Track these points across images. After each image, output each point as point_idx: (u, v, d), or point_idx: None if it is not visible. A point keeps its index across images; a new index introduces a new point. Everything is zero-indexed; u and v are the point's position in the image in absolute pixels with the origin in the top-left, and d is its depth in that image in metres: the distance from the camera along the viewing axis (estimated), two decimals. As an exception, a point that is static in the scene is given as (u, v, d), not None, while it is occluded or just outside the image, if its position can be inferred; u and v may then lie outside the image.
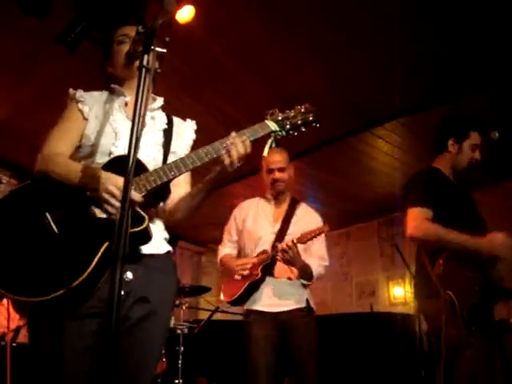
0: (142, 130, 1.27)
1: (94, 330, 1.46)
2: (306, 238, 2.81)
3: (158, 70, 1.33)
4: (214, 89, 4.03)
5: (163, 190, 1.65)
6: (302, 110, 1.77)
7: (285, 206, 3.15)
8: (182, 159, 1.59)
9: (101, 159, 1.64)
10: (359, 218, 6.45)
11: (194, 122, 1.91)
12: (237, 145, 1.58)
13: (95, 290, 1.46)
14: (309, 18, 3.30)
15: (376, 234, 6.62)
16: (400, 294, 6.18)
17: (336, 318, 4.65)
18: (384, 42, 3.40)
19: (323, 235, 2.99)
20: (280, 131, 1.69)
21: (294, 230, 2.99)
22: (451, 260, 2.33)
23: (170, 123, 1.84)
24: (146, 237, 1.54)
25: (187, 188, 1.81)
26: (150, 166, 1.60)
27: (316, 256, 3.04)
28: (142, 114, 1.27)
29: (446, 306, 2.24)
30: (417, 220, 2.41)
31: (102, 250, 1.45)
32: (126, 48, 1.70)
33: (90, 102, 1.74)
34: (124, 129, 1.69)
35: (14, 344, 3.84)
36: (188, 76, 3.86)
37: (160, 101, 1.85)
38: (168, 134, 1.81)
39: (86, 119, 1.71)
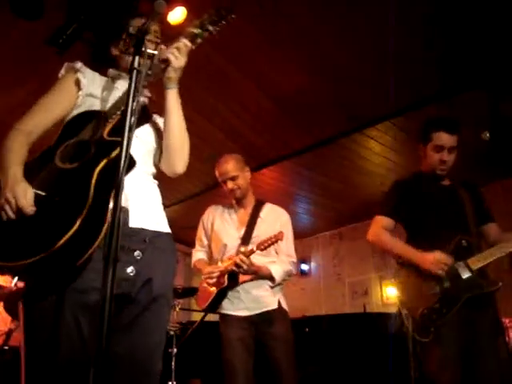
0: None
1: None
2: (263, 246, 2.80)
3: (149, 72, 1.32)
4: (206, 88, 4.02)
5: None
6: (212, 12, 1.70)
7: (249, 210, 3.11)
8: None
9: None
10: (351, 218, 6.46)
11: None
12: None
13: (88, 261, 1.37)
14: (302, 18, 3.30)
15: (368, 235, 6.63)
16: (393, 293, 6.20)
17: (329, 319, 4.66)
18: (376, 42, 3.41)
19: (290, 233, 3.07)
20: (203, 31, 1.67)
21: (259, 233, 2.98)
22: None
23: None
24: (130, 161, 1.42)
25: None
26: (144, 150, 1.65)
27: (283, 254, 3.04)
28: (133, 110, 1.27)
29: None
30: (374, 227, 2.77)
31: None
32: None
33: (90, 77, 1.68)
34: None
35: (6, 347, 3.81)
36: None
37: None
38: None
39: (80, 90, 1.63)
